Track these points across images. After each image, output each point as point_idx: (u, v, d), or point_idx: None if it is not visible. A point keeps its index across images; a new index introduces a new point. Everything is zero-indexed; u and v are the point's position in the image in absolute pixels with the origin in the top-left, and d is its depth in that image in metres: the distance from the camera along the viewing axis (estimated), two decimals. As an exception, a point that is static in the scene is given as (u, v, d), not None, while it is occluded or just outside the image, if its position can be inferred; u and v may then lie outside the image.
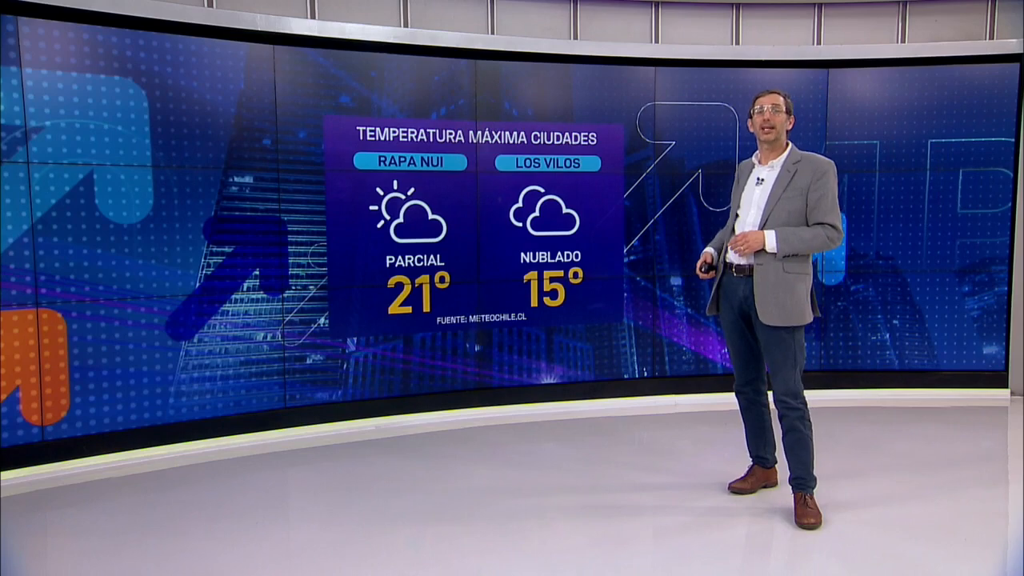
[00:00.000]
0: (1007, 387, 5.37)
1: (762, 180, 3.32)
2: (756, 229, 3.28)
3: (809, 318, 3.26)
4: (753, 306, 3.27)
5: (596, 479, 3.94)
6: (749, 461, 3.77)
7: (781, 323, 3.20)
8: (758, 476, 3.71)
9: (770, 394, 3.43)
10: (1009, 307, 5.34)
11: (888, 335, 5.42)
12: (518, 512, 3.51)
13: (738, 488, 3.68)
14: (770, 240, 3.20)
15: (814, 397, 5.36)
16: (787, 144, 3.34)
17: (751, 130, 3.39)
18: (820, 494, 3.44)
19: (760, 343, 3.35)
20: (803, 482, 3.36)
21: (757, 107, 3.32)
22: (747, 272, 3.29)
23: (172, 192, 4.19)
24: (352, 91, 4.61)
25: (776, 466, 3.72)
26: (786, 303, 3.20)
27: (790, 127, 3.33)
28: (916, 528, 3.30)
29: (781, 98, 3.31)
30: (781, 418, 3.31)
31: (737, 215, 3.40)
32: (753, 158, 3.44)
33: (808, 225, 3.25)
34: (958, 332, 5.40)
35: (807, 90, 5.22)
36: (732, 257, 3.36)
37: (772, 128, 3.28)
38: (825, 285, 5.40)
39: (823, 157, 3.31)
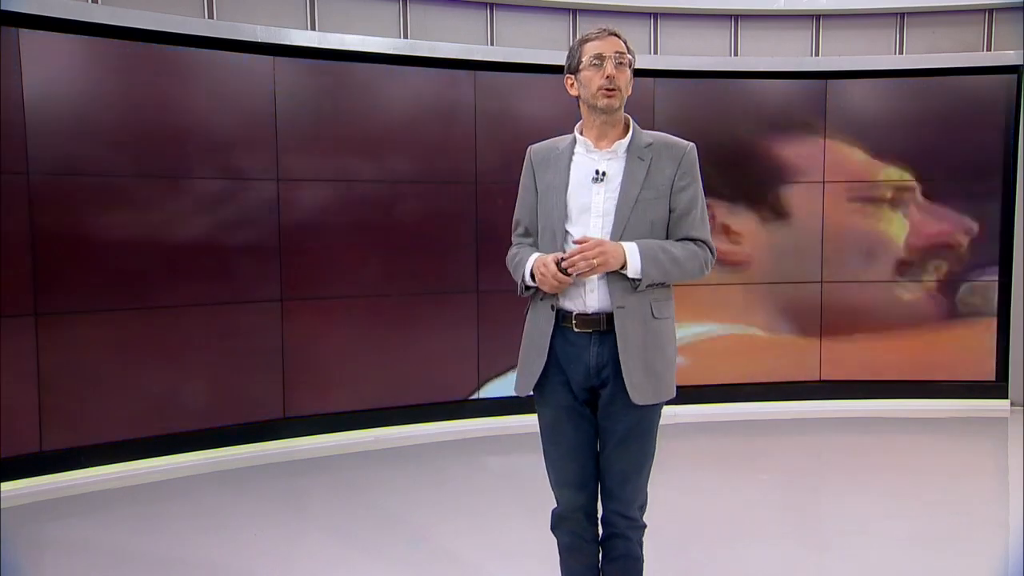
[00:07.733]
0: (1007, 398, 5.37)
1: (603, 175, 2.09)
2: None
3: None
4: (611, 378, 2.07)
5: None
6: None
7: (655, 399, 2.08)
8: None
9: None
10: (1008, 317, 5.34)
11: (886, 344, 5.40)
12: (520, 516, 3.52)
13: None
14: (632, 256, 2.02)
15: (811, 408, 5.36)
16: (626, 117, 2.18)
17: (573, 93, 2.17)
18: (820, 506, 3.40)
19: (610, 436, 2.14)
20: None
21: (591, 57, 2.08)
22: (602, 325, 2.07)
23: (172, 203, 4.20)
24: (353, 102, 4.62)
25: None
26: (658, 367, 2.08)
27: (630, 92, 2.15)
28: (915, 541, 3.29)
29: (624, 44, 2.12)
30: (614, 547, 2.18)
31: (567, 232, 2.10)
32: (576, 142, 2.18)
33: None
34: (957, 342, 5.39)
35: (805, 101, 5.23)
36: (571, 299, 2.08)
37: (616, 91, 2.08)
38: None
39: (679, 139, 2.20)
